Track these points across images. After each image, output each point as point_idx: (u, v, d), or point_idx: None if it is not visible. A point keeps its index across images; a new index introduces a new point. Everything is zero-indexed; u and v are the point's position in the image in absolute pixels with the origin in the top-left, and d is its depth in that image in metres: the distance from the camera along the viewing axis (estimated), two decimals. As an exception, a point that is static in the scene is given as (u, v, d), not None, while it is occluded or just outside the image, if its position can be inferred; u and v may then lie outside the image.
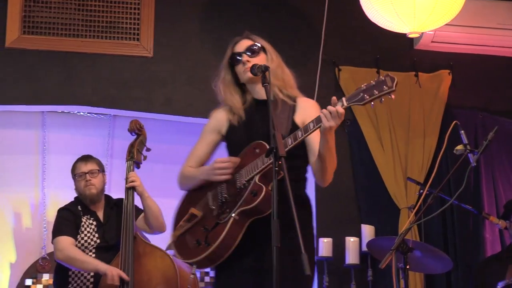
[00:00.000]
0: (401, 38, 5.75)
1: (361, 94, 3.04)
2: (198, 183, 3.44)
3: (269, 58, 3.47)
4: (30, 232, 6.20)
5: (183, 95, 5.96)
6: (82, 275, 4.69)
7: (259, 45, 3.48)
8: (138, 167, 4.89)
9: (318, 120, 3.11)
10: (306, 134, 3.17)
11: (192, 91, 5.95)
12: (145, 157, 4.91)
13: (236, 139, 3.45)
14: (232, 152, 3.47)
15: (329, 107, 3.06)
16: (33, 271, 6.05)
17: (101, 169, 4.94)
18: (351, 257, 5.75)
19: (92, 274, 4.65)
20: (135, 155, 4.76)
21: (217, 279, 3.43)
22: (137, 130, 4.79)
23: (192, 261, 3.33)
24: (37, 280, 6.01)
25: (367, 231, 5.79)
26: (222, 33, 6.03)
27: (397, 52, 6.29)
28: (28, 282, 6.02)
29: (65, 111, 6.13)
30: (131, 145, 4.74)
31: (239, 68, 3.47)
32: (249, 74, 3.36)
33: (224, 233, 3.23)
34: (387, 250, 3.92)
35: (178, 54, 6.00)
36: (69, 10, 5.94)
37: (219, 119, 3.53)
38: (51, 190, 6.18)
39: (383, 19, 5.28)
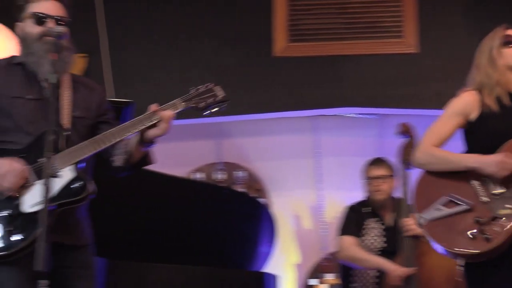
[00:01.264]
0: None
1: None
2: (458, 168, 3.26)
3: None
4: (310, 233, 6.41)
5: (452, 88, 5.78)
6: (365, 273, 4.75)
7: None
8: (410, 169, 4.82)
9: None
10: None
11: (461, 84, 5.78)
12: None
13: (494, 126, 3.23)
14: (482, 140, 3.25)
15: None
16: (317, 271, 6.24)
17: (393, 174, 4.89)
18: None
19: (376, 273, 4.69)
20: (408, 158, 4.69)
21: (487, 276, 3.25)
22: (407, 132, 4.72)
23: (467, 253, 3.21)
24: (321, 280, 6.19)
25: None
26: (488, 22, 5.77)
27: None
28: (313, 282, 6.23)
29: (335, 114, 6.26)
30: (403, 148, 4.68)
31: (510, 52, 3.30)
32: None
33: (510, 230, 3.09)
34: None
35: (445, 47, 5.86)
36: (331, 14, 6.04)
37: (470, 101, 3.33)
38: (327, 192, 6.34)
39: None
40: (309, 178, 6.44)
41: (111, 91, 5.82)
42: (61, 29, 2.77)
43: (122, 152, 2.90)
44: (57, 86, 2.68)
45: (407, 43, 5.90)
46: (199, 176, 6.56)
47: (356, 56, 5.95)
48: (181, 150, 6.58)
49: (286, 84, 5.98)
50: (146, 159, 2.98)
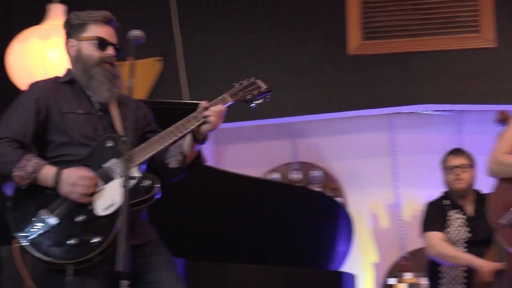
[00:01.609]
0: None
1: None
2: None
3: None
4: (388, 232, 6.37)
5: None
6: (454, 269, 4.67)
7: None
8: None
9: None
10: None
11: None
12: None
13: None
14: None
15: None
16: (396, 271, 6.20)
17: (472, 164, 4.83)
18: None
19: (465, 268, 4.62)
20: None
21: None
22: (505, 120, 4.58)
23: None
24: (400, 279, 6.14)
25: None
26: None
27: None
28: (392, 281, 6.19)
29: (411, 111, 6.19)
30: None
31: None
32: None
33: None
34: None
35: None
36: (405, 11, 5.98)
37: None
38: (405, 190, 6.29)
39: None
40: (385, 177, 6.39)
41: (186, 92, 5.90)
42: (138, 32, 2.84)
43: (176, 153, 2.99)
44: (131, 90, 2.78)
45: (484, 37, 5.79)
46: (275, 176, 6.60)
47: (432, 52, 5.87)
48: (257, 150, 6.64)
49: (361, 82, 5.94)
50: (200, 158, 3.06)
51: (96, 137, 2.90)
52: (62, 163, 2.84)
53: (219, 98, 2.99)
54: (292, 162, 6.61)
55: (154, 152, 2.88)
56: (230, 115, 5.56)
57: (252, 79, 3.08)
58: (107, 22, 3.02)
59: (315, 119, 6.18)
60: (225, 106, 2.96)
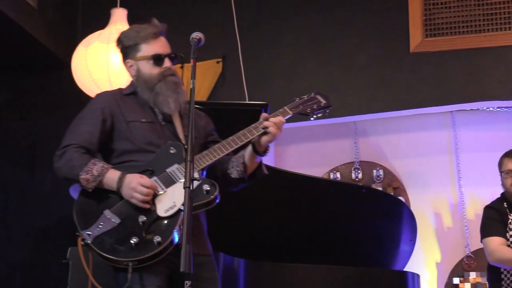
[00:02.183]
0: None
1: None
2: None
3: None
4: (451, 231, 6.30)
5: None
6: None
7: None
8: None
9: None
10: None
11: None
12: None
13: None
14: None
15: None
16: (460, 270, 6.13)
17: None
18: None
19: None
20: None
21: None
22: None
23: None
24: (464, 279, 6.07)
25: None
26: None
27: None
28: (456, 280, 6.13)
29: (474, 108, 6.11)
30: None
31: None
32: None
33: None
34: None
35: None
36: (468, 7, 5.91)
37: None
38: (468, 189, 6.22)
39: None
40: (448, 175, 6.33)
41: (244, 94, 5.93)
42: (199, 34, 2.89)
43: (238, 164, 3.08)
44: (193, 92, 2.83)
45: (548, 32, 5.69)
46: (336, 176, 6.59)
47: (495, 48, 5.79)
48: (318, 150, 6.64)
49: (424, 80, 5.89)
50: (261, 169, 3.14)
51: (159, 145, 3.01)
52: (126, 168, 2.94)
53: (280, 110, 3.07)
54: (354, 161, 6.59)
55: (215, 159, 2.97)
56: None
57: (312, 94, 3.18)
58: (157, 35, 3.12)
59: (377, 118, 6.15)
60: (285, 118, 3.04)
